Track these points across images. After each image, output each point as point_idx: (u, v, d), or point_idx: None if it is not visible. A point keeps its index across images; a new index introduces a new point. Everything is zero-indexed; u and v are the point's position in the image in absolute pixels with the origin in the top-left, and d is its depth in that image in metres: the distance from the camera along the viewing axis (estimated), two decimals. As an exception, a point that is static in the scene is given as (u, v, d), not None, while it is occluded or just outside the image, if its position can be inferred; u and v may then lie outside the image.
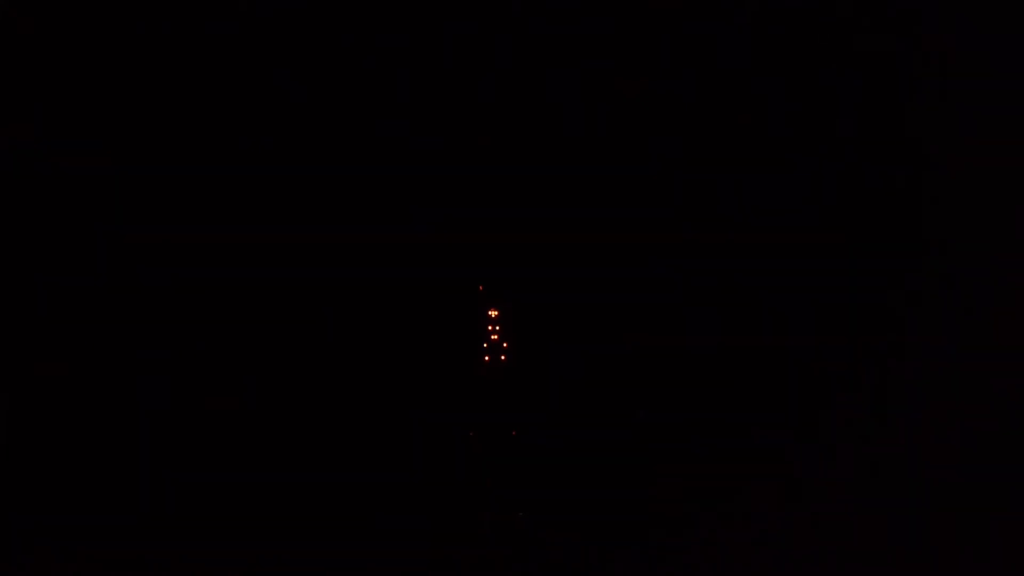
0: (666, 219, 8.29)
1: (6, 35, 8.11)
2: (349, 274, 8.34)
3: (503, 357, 8.37)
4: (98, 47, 8.16)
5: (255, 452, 8.25)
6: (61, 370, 8.23)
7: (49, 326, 8.22)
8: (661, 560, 7.81)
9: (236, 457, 8.21)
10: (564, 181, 8.32)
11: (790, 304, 8.21)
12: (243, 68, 8.30)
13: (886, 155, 8.21)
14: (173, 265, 8.25)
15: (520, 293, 8.42)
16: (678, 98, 8.27)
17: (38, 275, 8.21)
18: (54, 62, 8.15)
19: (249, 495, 8.08)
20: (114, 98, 8.24)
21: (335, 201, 8.35)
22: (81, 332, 8.26)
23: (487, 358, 8.38)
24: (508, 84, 8.27)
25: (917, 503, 7.97)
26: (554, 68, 8.26)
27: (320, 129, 8.30)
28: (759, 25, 8.26)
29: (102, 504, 8.08)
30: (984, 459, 7.99)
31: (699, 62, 8.26)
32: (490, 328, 8.40)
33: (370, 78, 8.28)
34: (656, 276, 8.28)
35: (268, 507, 8.03)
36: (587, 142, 8.32)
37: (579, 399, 8.27)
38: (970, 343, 8.04)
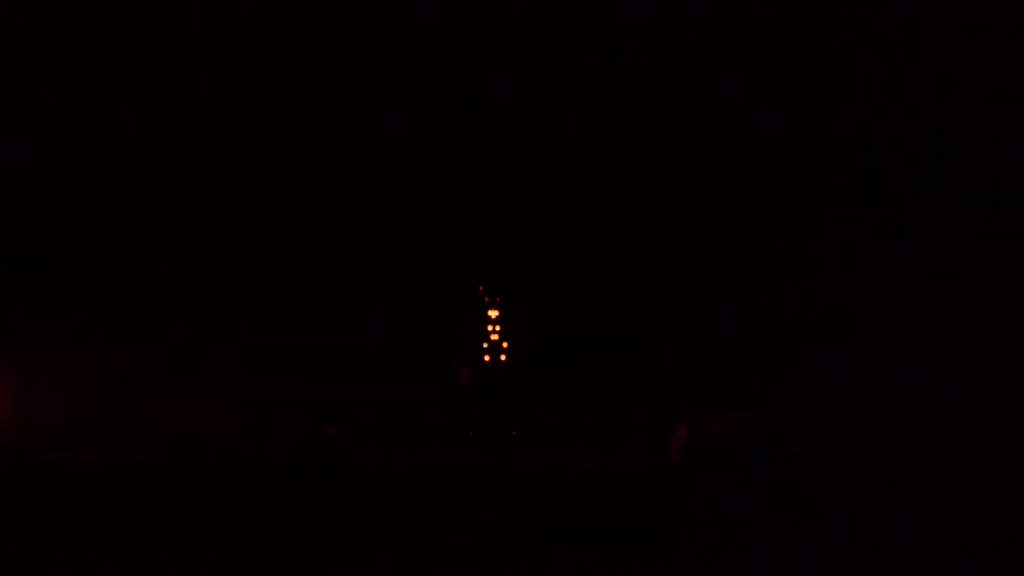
0: (666, 218, 8.31)
1: None
2: (349, 275, 8.35)
3: (503, 357, 8.40)
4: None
5: (255, 456, 8.26)
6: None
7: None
8: (662, 560, 7.81)
9: (236, 464, 8.23)
10: (565, 182, 8.34)
11: (788, 302, 8.22)
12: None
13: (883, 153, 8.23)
14: (177, 262, 8.26)
15: (520, 293, 8.44)
16: (675, 100, 8.29)
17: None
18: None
19: (250, 497, 8.09)
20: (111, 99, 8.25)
21: (334, 203, 8.36)
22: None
23: (487, 358, 8.40)
24: (510, 86, 8.30)
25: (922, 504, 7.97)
26: (556, 71, 8.29)
27: (326, 134, 8.32)
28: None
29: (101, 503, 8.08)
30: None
31: (698, 63, 8.28)
32: (490, 328, 8.42)
33: (375, 81, 8.30)
34: (656, 275, 8.30)
35: (269, 508, 8.04)
36: (587, 144, 8.35)
37: (578, 399, 8.29)
38: (969, 340, 8.05)
